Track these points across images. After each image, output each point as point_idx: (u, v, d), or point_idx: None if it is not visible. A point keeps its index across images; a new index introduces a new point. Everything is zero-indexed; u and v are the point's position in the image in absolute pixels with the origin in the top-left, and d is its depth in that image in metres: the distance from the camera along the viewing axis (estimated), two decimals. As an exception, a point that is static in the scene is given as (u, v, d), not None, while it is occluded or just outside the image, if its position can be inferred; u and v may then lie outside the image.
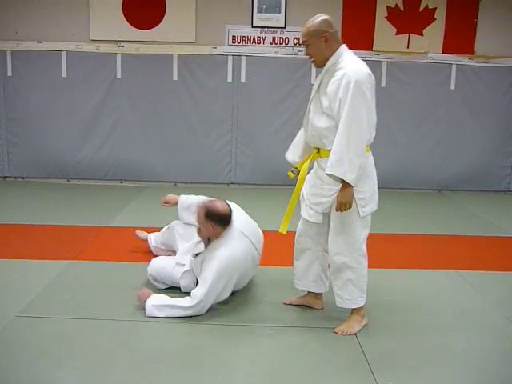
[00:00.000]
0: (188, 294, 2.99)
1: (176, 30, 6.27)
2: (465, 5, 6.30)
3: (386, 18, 6.30)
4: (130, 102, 6.41)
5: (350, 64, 2.61)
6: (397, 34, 6.33)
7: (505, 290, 3.51)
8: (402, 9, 6.30)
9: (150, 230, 4.04)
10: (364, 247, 2.77)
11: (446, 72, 6.41)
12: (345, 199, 2.60)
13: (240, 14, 6.31)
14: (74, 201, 5.70)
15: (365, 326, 2.85)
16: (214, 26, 6.31)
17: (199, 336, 2.72)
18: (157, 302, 2.90)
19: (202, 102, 6.42)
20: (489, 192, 6.62)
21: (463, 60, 6.38)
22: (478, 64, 6.38)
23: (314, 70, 6.29)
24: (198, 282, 3.02)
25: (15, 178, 6.63)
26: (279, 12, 6.29)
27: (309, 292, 3.07)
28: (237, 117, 6.46)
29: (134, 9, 6.24)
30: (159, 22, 6.28)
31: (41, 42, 6.27)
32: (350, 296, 2.78)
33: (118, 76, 6.36)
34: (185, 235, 3.52)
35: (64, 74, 6.34)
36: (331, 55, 2.67)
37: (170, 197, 3.72)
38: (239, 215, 3.19)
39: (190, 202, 3.54)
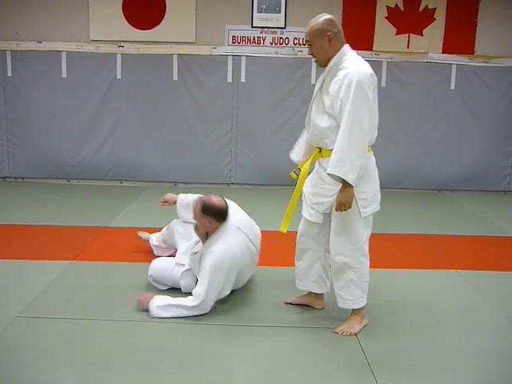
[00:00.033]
0: (189, 294, 2.99)
1: (176, 30, 6.28)
2: (465, 5, 6.30)
3: (386, 17, 6.30)
4: (130, 102, 6.41)
5: (352, 64, 2.60)
6: (397, 33, 6.33)
7: (505, 289, 3.51)
8: (402, 9, 6.30)
9: (150, 231, 4.04)
10: (366, 247, 2.77)
11: (446, 72, 6.41)
12: (344, 199, 2.60)
13: (240, 14, 6.31)
14: (74, 201, 5.70)
15: (365, 326, 2.85)
16: (214, 26, 6.31)
17: (199, 336, 2.72)
18: (161, 302, 2.90)
19: (202, 102, 6.43)
20: (489, 192, 6.62)
21: (463, 60, 6.38)
22: (477, 64, 6.38)
23: (314, 70, 6.30)
24: (198, 280, 3.02)
25: (15, 178, 6.63)
26: (279, 12, 6.29)
27: (310, 292, 3.07)
28: (237, 117, 6.46)
29: (134, 9, 6.24)
30: (159, 23, 6.28)
31: (41, 43, 6.27)
32: (351, 296, 2.78)
33: (118, 76, 6.36)
34: (185, 234, 3.52)
35: (64, 75, 6.35)
36: (334, 55, 2.66)
37: (169, 196, 3.73)
38: (236, 211, 3.20)
39: (189, 200, 3.54)
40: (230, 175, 6.61)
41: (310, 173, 2.88)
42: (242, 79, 6.39)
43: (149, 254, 3.81)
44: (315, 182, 2.81)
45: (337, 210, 2.65)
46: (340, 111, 2.57)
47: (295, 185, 2.90)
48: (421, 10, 6.31)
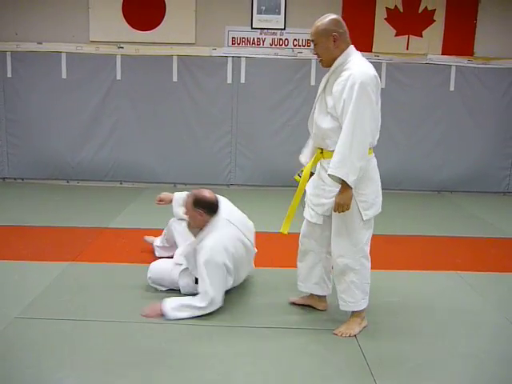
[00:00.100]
0: (188, 294, 3.02)
1: (176, 32, 6.28)
2: (464, 6, 6.31)
3: (385, 19, 6.31)
4: (130, 103, 6.41)
5: (356, 65, 2.60)
6: (396, 35, 6.34)
7: (504, 290, 3.51)
8: (402, 10, 6.31)
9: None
10: (367, 249, 2.77)
11: (446, 73, 6.42)
12: (343, 201, 2.60)
13: (240, 15, 6.31)
14: (73, 202, 5.70)
15: (364, 327, 2.84)
16: (214, 28, 6.32)
17: (199, 337, 2.72)
18: (174, 303, 2.89)
19: (201, 103, 6.43)
20: (488, 193, 6.63)
21: (462, 61, 6.39)
22: (477, 65, 6.39)
23: (313, 71, 6.31)
24: (196, 279, 3.04)
25: (15, 179, 6.63)
26: (279, 13, 6.30)
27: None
28: (236, 118, 6.47)
29: (134, 10, 6.24)
30: (159, 24, 6.28)
31: (41, 44, 6.27)
32: (353, 299, 2.78)
33: (118, 77, 6.37)
34: (183, 231, 3.52)
35: (64, 76, 6.35)
36: (339, 55, 2.65)
37: (164, 195, 3.73)
38: (227, 206, 3.22)
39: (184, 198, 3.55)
40: (229, 176, 6.61)
41: (313, 174, 2.88)
42: (242, 80, 6.40)
43: (148, 256, 3.81)
44: (317, 184, 2.81)
45: (334, 211, 2.66)
46: (342, 112, 2.57)
47: (297, 186, 2.90)
48: (420, 11, 6.32)
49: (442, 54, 6.37)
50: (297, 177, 2.93)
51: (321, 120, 2.72)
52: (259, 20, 6.32)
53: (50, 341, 2.63)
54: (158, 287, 3.24)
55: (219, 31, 6.34)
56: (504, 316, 3.09)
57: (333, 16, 2.69)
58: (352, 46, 2.70)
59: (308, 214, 2.87)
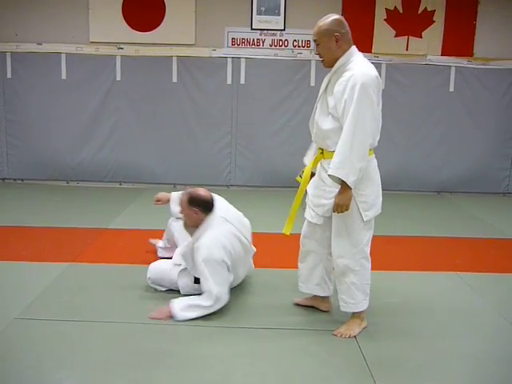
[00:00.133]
0: (188, 294, 3.03)
1: (175, 32, 6.28)
2: (463, 7, 6.31)
3: (385, 20, 6.32)
4: (130, 104, 6.42)
5: (358, 66, 2.60)
6: (396, 36, 6.35)
7: (504, 291, 3.51)
8: (401, 11, 6.31)
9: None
10: (367, 249, 2.77)
11: (445, 74, 6.42)
12: (342, 201, 2.60)
13: (239, 16, 6.32)
14: (73, 203, 5.70)
15: (364, 328, 2.84)
16: (214, 28, 6.32)
17: (199, 338, 2.72)
18: (182, 304, 2.89)
19: (201, 104, 6.43)
20: (488, 194, 6.63)
21: (462, 62, 6.39)
22: (476, 66, 6.39)
23: (313, 72, 6.31)
24: (195, 279, 3.05)
25: (14, 179, 6.63)
26: (278, 14, 6.30)
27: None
28: (236, 119, 6.47)
29: (134, 11, 6.25)
30: (159, 24, 6.29)
31: (40, 44, 6.27)
32: (353, 300, 2.78)
33: (118, 78, 6.37)
34: (182, 229, 3.52)
35: (64, 76, 6.35)
36: (341, 55, 2.65)
37: (162, 194, 3.73)
38: (222, 204, 3.23)
39: None
40: (229, 177, 6.61)
41: (314, 174, 2.87)
42: (242, 81, 6.40)
43: (148, 256, 3.81)
44: (317, 184, 2.81)
45: (333, 212, 2.66)
46: (343, 113, 2.57)
47: (298, 187, 2.90)
48: (420, 12, 6.32)
49: (442, 55, 6.38)
50: (298, 178, 2.92)
51: (322, 120, 2.71)
52: (259, 21, 6.32)
53: (49, 341, 2.62)
54: (157, 287, 3.24)
55: (219, 32, 6.34)
56: (503, 317, 3.09)
57: (335, 16, 2.69)
58: (354, 46, 2.70)
59: (309, 214, 2.87)
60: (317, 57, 2.78)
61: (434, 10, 6.30)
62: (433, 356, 2.61)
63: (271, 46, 6.38)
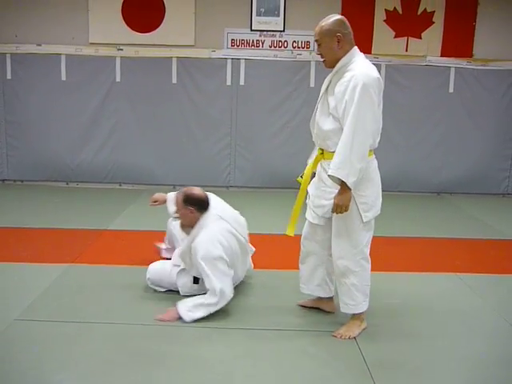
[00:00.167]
0: (188, 295, 3.04)
1: (175, 34, 6.29)
2: (463, 8, 6.32)
3: (384, 21, 6.32)
4: (130, 105, 6.42)
5: (359, 66, 2.59)
6: (395, 37, 6.35)
7: (504, 292, 3.52)
8: (401, 12, 6.32)
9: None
10: (367, 251, 2.77)
11: (445, 75, 6.43)
12: (342, 202, 2.60)
13: (239, 17, 6.32)
14: (73, 204, 5.70)
15: (364, 329, 2.84)
16: (213, 30, 6.32)
17: (199, 339, 2.72)
18: (188, 305, 2.89)
19: (201, 105, 6.43)
20: (487, 195, 6.63)
21: (462, 63, 6.39)
22: (476, 67, 6.39)
23: (313, 73, 6.31)
24: (194, 279, 3.06)
25: (14, 181, 6.63)
26: (278, 15, 6.31)
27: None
28: (236, 120, 6.47)
29: (134, 12, 6.25)
30: (158, 26, 6.29)
31: (40, 45, 6.28)
32: (353, 301, 2.78)
33: (118, 79, 6.37)
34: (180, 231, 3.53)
35: (63, 77, 6.35)
36: (343, 56, 2.65)
37: (158, 195, 3.71)
38: (217, 203, 3.23)
39: None
40: (228, 178, 6.61)
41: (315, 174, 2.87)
42: (241, 82, 6.40)
43: (147, 257, 3.80)
44: (318, 185, 2.81)
45: (333, 212, 2.66)
46: (344, 113, 2.56)
47: (298, 188, 2.90)
48: (419, 13, 6.33)
49: (441, 56, 6.38)
50: (299, 178, 2.92)
51: (322, 121, 2.71)
52: (258, 22, 6.33)
53: (49, 342, 2.62)
54: (157, 288, 3.24)
55: (218, 33, 6.34)
56: (503, 318, 3.09)
57: (338, 16, 2.69)
58: (356, 47, 2.69)
59: (310, 215, 2.87)
60: (316, 58, 2.78)
61: (434, 11, 6.31)
62: (433, 357, 2.61)
63: (271, 47, 6.38)
